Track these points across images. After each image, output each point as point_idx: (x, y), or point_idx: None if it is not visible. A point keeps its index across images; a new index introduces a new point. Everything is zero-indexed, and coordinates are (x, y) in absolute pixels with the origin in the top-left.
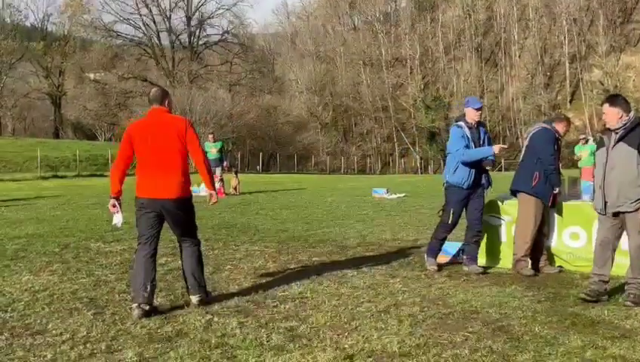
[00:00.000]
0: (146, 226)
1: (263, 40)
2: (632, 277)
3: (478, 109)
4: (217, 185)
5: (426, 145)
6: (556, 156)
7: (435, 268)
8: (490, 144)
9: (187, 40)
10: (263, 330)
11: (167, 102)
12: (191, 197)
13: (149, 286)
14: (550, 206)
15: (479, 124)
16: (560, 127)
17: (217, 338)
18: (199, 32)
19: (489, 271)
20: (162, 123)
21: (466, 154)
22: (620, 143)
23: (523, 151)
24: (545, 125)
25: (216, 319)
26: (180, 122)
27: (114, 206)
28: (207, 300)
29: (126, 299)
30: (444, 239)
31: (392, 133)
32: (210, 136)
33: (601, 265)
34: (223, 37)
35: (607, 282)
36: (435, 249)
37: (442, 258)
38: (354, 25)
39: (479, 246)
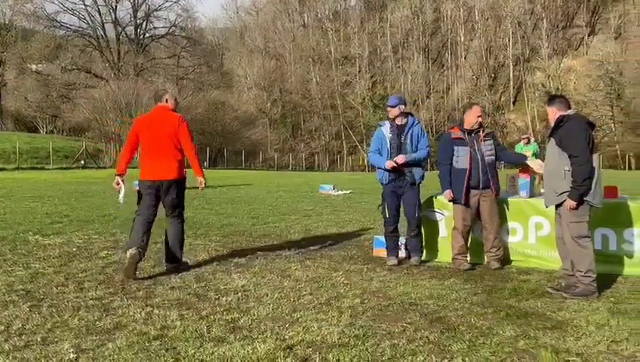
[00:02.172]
0: (147, 204)
1: (211, 34)
2: (562, 267)
3: (391, 107)
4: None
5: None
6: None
7: (394, 262)
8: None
9: (133, 32)
10: (203, 322)
11: (166, 100)
12: (184, 180)
13: (145, 238)
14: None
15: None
16: (467, 119)
17: (157, 330)
18: (146, 24)
19: (429, 264)
20: (161, 118)
21: (371, 159)
22: (551, 139)
23: None
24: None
25: (156, 311)
26: (175, 119)
27: (117, 183)
28: (176, 268)
29: (64, 292)
30: (394, 233)
31: (341, 131)
32: None
33: (562, 258)
34: (171, 30)
35: (572, 275)
36: (389, 245)
37: (383, 251)
38: (304, 22)
39: (420, 239)
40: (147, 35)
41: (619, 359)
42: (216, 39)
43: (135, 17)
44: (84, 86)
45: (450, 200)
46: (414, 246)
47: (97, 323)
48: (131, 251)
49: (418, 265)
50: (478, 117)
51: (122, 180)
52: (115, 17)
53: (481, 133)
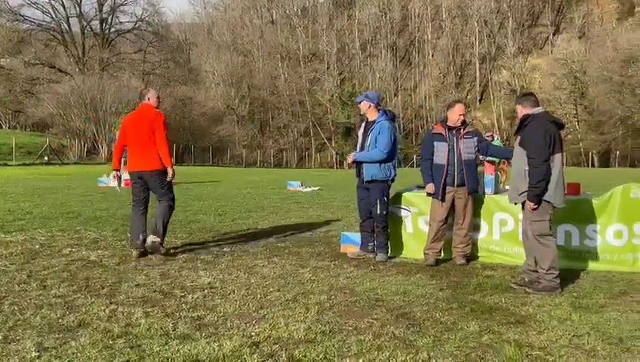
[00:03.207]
0: (137, 192)
1: (178, 30)
2: (526, 263)
3: (357, 103)
4: (127, 175)
5: (342, 140)
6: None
7: (355, 252)
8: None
9: (98, 26)
10: (169, 320)
11: (148, 98)
12: (165, 170)
13: (143, 234)
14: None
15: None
16: (450, 116)
17: (121, 328)
18: (111, 18)
19: (396, 260)
20: (143, 115)
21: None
22: (517, 138)
23: None
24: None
25: (120, 309)
26: (153, 115)
27: (114, 177)
28: (157, 246)
29: (26, 290)
30: (367, 229)
31: (309, 128)
32: None
33: (526, 254)
34: (137, 25)
35: (535, 271)
36: (362, 241)
37: (351, 248)
38: (272, 18)
39: (385, 235)
40: (113, 29)
41: (580, 353)
42: (184, 34)
43: (100, 11)
44: (47, 81)
45: (430, 195)
46: (379, 243)
47: (60, 321)
48: (135, 253)
49: (384, 261)
50: (461, 115)
51: (118, 174)
52: (80, 11)
53: (461, 130)
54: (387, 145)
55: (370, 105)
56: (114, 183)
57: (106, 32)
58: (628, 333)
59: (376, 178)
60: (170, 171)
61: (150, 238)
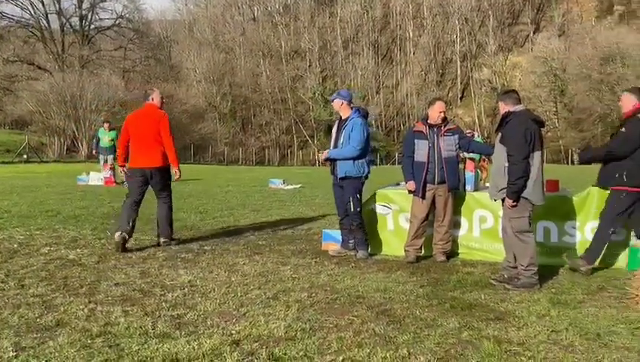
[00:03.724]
0: (135, 188)
1: (159, 26)
2: (505, 259)
3: (331, 101)
4: (108, 173)
5: (324, 137)
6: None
7: (336, 249)
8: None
9: (78, 23)
10: (148, 318)
11: (152, 98)
12: (168, 168)
13: (131, 222)
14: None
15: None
16: (431, 114)
17: (100, 327)
18: (91, 15)
19: (377, 257)
20: (147, 115)
21: None
22: (498, 135)
23: None
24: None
25: (99, 308)
26: (158, 115)
27: (121, 172)
28: (168, 242)
29: (4, 289)
30: (346, 227)
31: (291, 126)
32: (106, 124)
33: (506, 250)
34: (117, 22)
35: (514, 267)
36: (342, 238)
37: (333, 245)
38: (254, 15)
39: (362, 232)
40: (93, 26)
41: (558, 348)
42: (165, 31)
43: (80, 8)
44: (26, 78)
45: (410, 192)
46: (358, 240)
47: (38, 320)
48: (117, 234)
49: (365, 258)
50: (441, 112)
51: (124, 169)
52: (60, 8)
53: (442, 128)
54: (360, 141)
55: (342, 103)
56: (99, 181)
57: (86, 28)
58: (605, 328)
59: (350, 175)
60: (176, 171)
61: (162, 239)
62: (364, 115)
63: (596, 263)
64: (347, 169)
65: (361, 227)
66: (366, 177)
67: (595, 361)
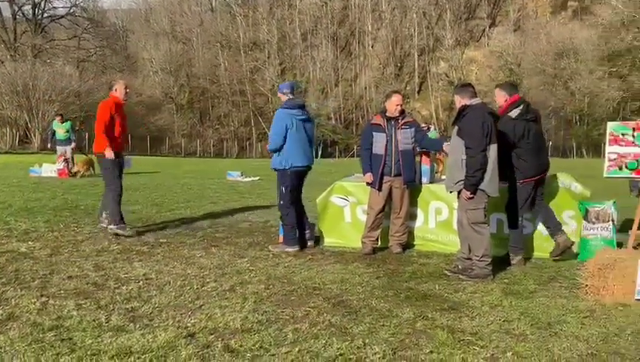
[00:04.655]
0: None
1: (114, 16)
2: (460, 251)
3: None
4: (61, 165)
5: None
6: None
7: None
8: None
9: (31, 11)
10: (102, 312)
11: (115, 89)
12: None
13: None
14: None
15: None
16: (388, 107)
17: (52, 321)
18: (44, 3)
19: (334, 249)
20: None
21: None
22: (455, 128)
23: None
24: None
25: (52, 301)
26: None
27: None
28: (107, 227)
29: None
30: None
31: (250, 118)
32: (58, 118)
33: (460, 242)
34: (71, 10)
35: (469, 258)
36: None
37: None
38: (211, 6)
39: (288, 226)
40: (46, 15)
41: (510, 337)
42: (120, 21)
43: None
44: None
45: (368, 184)
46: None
47: None
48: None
49: (281, 253)
50: (398, 105)
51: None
52: None
53: (400, 121)
54: (271, 135)
55: (280, 95)
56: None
57: (39, 17)
58: (556, 318)
59: (276, 167)
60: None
61: (102, 224)
62: (293, 107)
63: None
64: (273, 161)
65: (284, 220)
66: (292, 169)
67: (546, 350)
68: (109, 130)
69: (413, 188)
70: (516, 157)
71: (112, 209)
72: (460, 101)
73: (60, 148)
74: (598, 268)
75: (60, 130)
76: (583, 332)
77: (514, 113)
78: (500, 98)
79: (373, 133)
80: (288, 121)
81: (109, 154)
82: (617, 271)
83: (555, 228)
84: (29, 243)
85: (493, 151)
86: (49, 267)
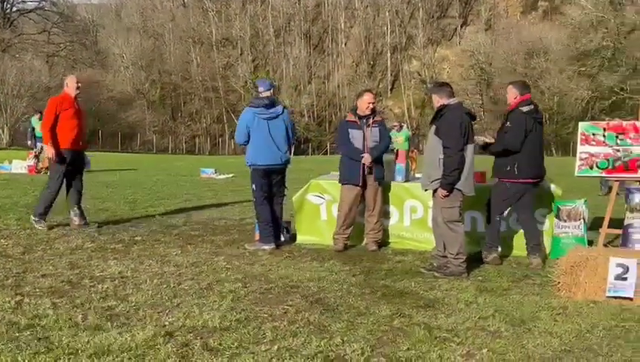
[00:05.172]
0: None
1: (85, 10)
2: (435, 248)
3: None
4: (31, 162)
5: None
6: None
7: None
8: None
9: None
10: (78, 310)
11: (66, 84)
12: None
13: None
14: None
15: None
16: (359, 105)
17: (28, 320)
18: None
19: (310, 247)
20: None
21: None
22: (432, 127)
23: None
24: None
25: (27, 300)
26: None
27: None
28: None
29: None
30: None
31: (222, 114)
32: (37, 115)
33: (435, 240)
34: (40, 4)
35: (444, 256)
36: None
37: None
38: (183, 1)
39: (262, 223)
40: (15, 8)
41: (485, 334)
42: (91, 15)
43: None
44: None
45: (345, 182)
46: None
47: None
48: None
49: (256, 250)
50: (370, 103)
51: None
52: None
53: (370, 119)
54: (236, 131)
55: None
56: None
57: (7, 11)
58: (529, 315)
59: (247, 164)
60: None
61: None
62: (257, 105)
63: (499, 249)
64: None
65: (258, 218)
66: (254, 167)
67: (520, 346)
68: (64, 127)
69: (384, 185)
70: (514, 157)
71: (43, 201)
72: (438, 100)
73: (39, 145)
74: (570, 265)
75: (39, 126)
76: (556, 328)
77: (525, 108)
78: (511, 95)
79: (350, 130)
80: (250, 119)
81: (50, 151)
82: (589, 268)
83: (532, 249)
84: (1, 241)
85: (469, 150)
86: (23, 265)
